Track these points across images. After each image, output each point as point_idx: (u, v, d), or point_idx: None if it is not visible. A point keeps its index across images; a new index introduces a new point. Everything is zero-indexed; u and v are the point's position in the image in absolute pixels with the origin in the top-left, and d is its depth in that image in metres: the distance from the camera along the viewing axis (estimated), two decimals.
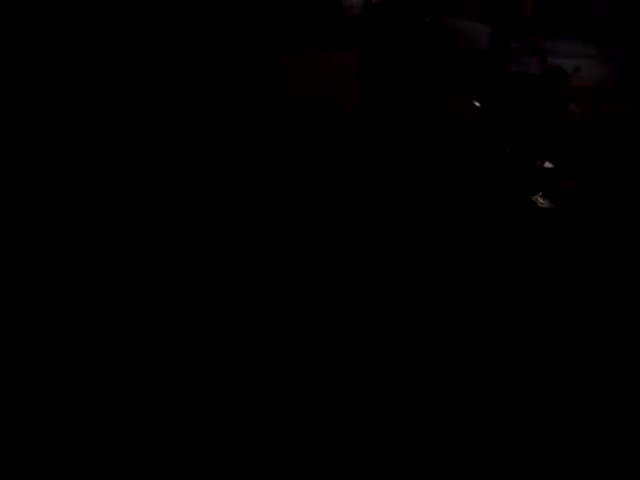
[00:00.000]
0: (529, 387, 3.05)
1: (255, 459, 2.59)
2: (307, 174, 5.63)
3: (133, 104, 7.76)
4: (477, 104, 6.69)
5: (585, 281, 3.99)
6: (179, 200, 4.99)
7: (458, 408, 2.88)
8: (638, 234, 4.63)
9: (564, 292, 3.86)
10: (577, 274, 4.07)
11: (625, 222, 4.81)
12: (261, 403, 2.88)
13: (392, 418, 2.81)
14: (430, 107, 8.13)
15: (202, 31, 12.29)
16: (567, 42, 12.64)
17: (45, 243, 4.28)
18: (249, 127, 7.05)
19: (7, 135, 6.51)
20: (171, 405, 2.85)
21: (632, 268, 4.16)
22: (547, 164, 5.68)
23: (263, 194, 5.14)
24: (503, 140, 6.04)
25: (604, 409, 2.92)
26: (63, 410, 2.81)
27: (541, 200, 5.09)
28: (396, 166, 5.90)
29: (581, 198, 5.22)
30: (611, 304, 3.75)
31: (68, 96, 8.02)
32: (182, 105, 7.77)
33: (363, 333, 3.40)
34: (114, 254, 4.16)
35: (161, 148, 6.23)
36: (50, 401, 2.86)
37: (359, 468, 2.56)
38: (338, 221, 4.70)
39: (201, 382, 3.01)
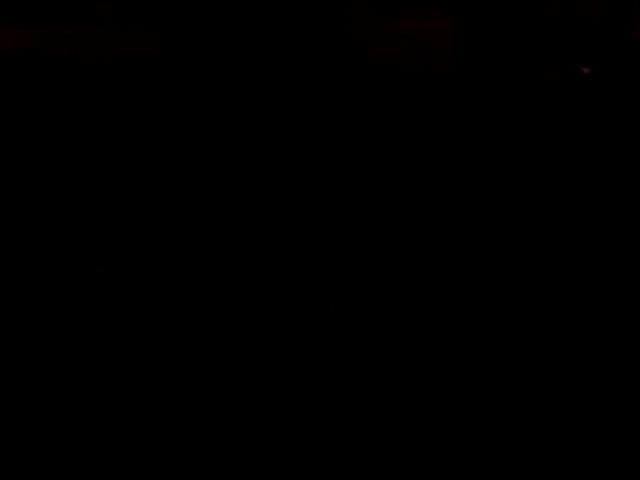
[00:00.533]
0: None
1: (255, 459, 2.56)
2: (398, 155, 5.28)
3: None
4: (586, 71, 6.18)
5: None
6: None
7: (458, 407, 2.83)
8: None
9: None
10: None
11: None
12: (260, 403, 2.87)
13: (392, 418, 2.77)
14: (536, 74, 7.57)
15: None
16: None
17: (43, 242, 4.27)
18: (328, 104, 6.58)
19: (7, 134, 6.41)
20: (170, 405, 2.85)
21: None
22: None
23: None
24: (620, 116, 5.53)
25: (605, 408, 2.81)
26: (62, 410, 2.82)
27: None
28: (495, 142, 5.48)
29: None
30: None
31: None
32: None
33: (368, 330, 3.37)
34: (113, 252, 4.15)
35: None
36: (49, 401, 2.87)
37: (359, 468, 2.52)
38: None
39: (200, 381, 3.00)
